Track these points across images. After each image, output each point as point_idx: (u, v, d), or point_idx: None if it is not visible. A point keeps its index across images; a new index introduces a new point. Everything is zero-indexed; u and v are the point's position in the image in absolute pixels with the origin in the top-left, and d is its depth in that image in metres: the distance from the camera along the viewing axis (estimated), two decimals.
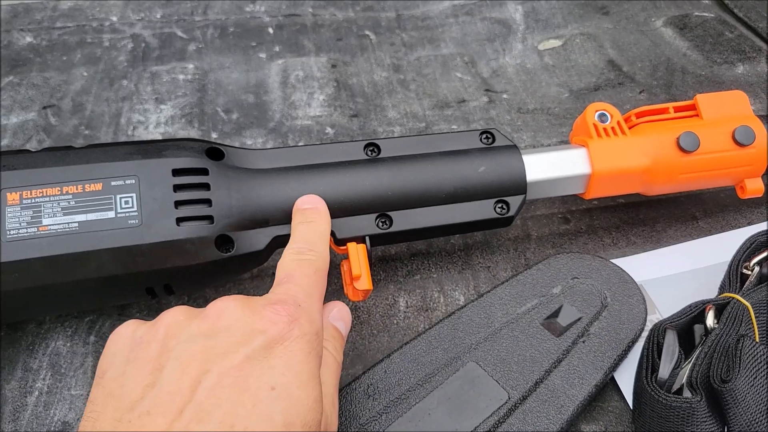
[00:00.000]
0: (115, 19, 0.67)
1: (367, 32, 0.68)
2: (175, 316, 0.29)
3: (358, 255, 0.38)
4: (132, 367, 0.28)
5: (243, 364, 0.27)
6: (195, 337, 0.28)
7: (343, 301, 0.37)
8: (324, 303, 0.34)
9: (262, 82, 0.61)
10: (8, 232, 0.33)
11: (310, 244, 0.35)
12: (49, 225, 0.34)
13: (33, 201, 0.34)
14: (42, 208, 0.34)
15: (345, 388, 0.37)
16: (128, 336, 0.29)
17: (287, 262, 0.34)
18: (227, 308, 0.29)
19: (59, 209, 0.34)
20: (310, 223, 0.37)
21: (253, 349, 0.28)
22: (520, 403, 0.36)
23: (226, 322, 0.29)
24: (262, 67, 0.63)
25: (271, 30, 0.67)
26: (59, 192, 0.35)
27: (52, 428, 0.37)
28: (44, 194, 0.34)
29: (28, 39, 0.64)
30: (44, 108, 0.57)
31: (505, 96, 0.60)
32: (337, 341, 0.34)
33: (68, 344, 0.41)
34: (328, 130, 0.56)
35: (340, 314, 0.36)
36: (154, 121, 0.56)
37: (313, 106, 0.59)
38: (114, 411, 0.26)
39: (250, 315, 0.29)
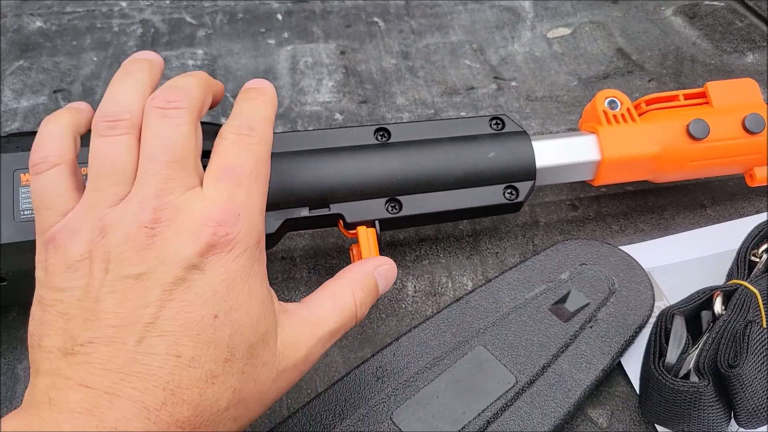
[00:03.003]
0: (124, 4, 0.67)
1: (375, 19, 0.68)
2: (103, 248, 0.27)
3: (368, 239, 0.38)
4: (69, 296, 0.27)
5: (181, 293, 0.26)
6: (127, 272, 0.26)
7: None
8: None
9: (271, 68, 0.61)
10: (22, 213, 0.34)
11: (251, 122, 0.31)
12: None
13: None
14: None
15: (354, 371, 0.37)
16: (64, 260, 0.27)
17: (226, 145, 0.30)
18: (155, 229, 0.27)
19: None
20: (254, 100, 0.33)
21: (189, 277, 0.26)
22: (527, 387, 0.36)
23: (157, 246, 0.27)
24: (271, 54, 0.63)
25: (280, 16, 0.67)
26: None
27: None
28: None
29: (38, 23, 0.65)
30: (55, 92, 0.57)
31: (513, 83, 0.60)
32: (370, 294, 0.33)
33: None
34: (337, 116, 0.56)
35: (386, 272, 0.34)
36: None
37: (322, 92, 0.59)
38: (56, 338, 0.26)
39: (180, 238, 0.27)
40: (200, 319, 0.26)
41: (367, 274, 0.33)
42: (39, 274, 0.28)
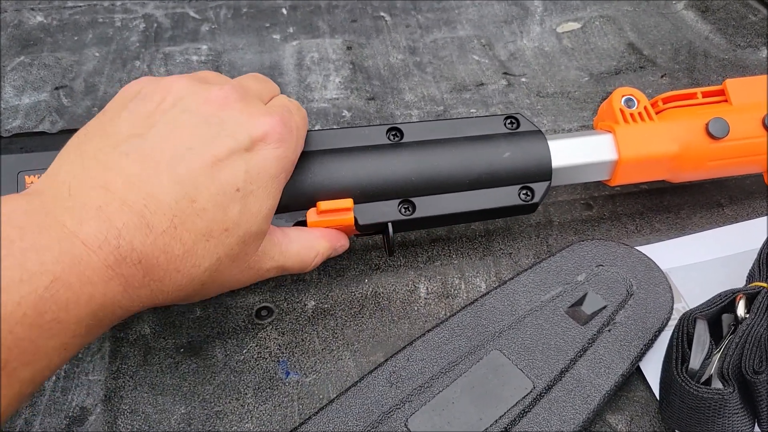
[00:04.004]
0: None
1: (382, 14, 0.67)
2: (183, 88, 0.32)
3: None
4: (127, 113, 0.31)
5: (223, 157, 0.30)
6: (192, 114, 0.31)
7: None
8: None
9: (276, 64, 0.60)
10: None
11: (290, 101, 0.37)
12: None
13: None
14: None
15: (367, 377, 0.36)
16: (136, 89, 0.32)
17: (277, 101, 0.36)
18: (229, 103, 0.32)
19: None
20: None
21: (236, 149, 0.30)
22: (545, 393, 0.35)
23: (225, 115, 0.31)
24: (276, 49, 0.62)
25: (284, 11, 0.66)
26: None
27: (70, 413, 0.37)
28: None
29: (39, 18, 0.63)
30: (56, 89, 0.56)
31: (523, 79, 0.59)
32: (324, 259, 0.37)
33: None
34: (345, 113, 0.55)
35: (341, 249, 0.39)
36: None
37: (330, 88, 0.58)
38: (99, 141, 0.29)
39: (248, 119, 0.32)
40: (226, 183, 0.30)
41: (334, 249, 0.38)
42: (106, 106, 0.32)
